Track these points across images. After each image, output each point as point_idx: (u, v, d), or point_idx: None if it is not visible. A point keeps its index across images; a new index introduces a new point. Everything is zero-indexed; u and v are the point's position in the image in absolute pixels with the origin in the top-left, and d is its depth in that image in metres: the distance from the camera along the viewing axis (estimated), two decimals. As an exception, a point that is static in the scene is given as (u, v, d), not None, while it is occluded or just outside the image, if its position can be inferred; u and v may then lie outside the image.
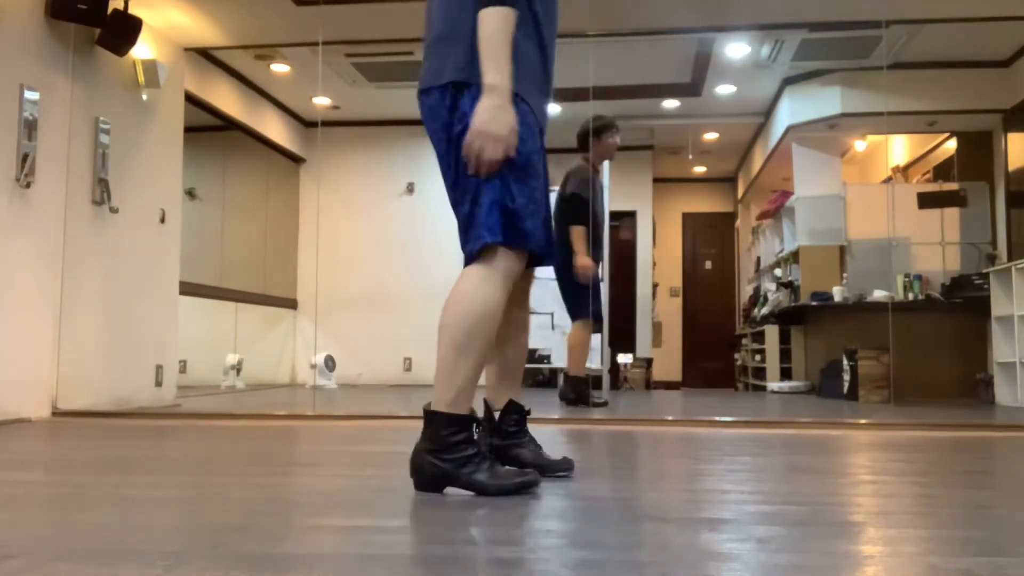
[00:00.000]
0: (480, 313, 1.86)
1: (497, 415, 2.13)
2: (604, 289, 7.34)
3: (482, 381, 1.99)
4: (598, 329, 5.34)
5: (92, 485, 2.06)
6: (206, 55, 6.00)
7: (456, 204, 1.96)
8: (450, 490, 1.84)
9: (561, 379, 5.57)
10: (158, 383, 4.98)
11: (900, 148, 7.81)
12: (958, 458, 2.84)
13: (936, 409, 5.12)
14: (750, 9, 5.04)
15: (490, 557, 1.31)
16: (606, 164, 7.57)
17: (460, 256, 1.98)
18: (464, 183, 1.92)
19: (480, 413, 1.96)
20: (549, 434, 3.51)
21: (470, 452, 1.86)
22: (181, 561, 1.26)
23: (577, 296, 5.08)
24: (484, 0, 1.85)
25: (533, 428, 2.21)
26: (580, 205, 5.00)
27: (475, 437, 1.88)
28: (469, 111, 1.87)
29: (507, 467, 1.97)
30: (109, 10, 4.32)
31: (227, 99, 6.45)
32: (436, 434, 1.84)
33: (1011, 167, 6.38)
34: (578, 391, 5.14)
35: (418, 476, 1.87)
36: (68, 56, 4.33)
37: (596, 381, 7.15)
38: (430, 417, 1.87)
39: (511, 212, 1.90)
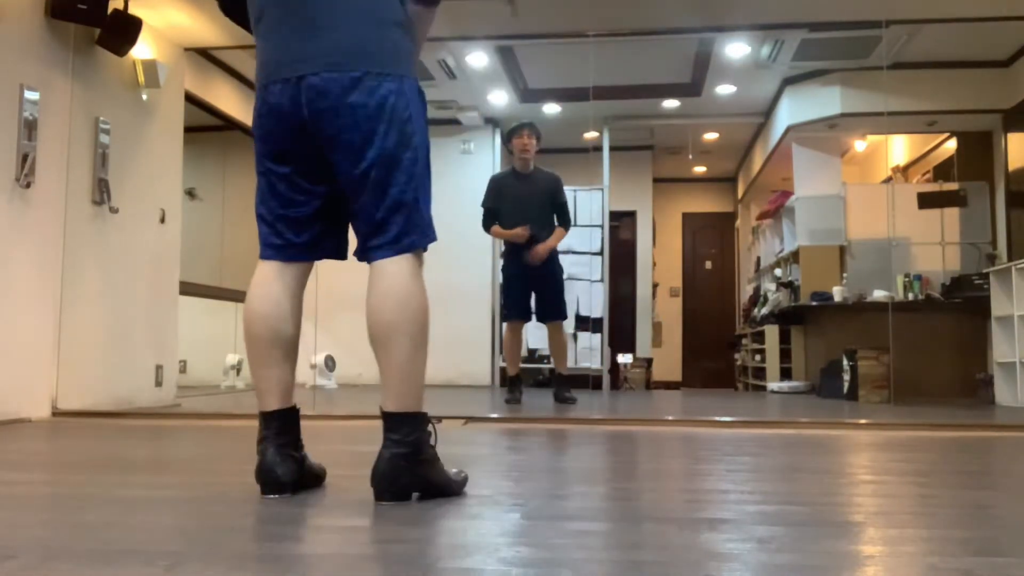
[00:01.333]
0: (426, 309, 1.83)
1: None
2: (601, 289, 7.38)
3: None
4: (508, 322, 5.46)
5: (92, 485, 2.06)
6: (206, 55, 5.99)
7: (391, 188, 1.83)
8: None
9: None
10: (158, 383, 4.98)
11: (900, 148, 7.81)
12: (958, 458, 2.84)
13: (936, 409, 5.12)
14: (750, 9, 5.04)
15: (490, 557, 1.31)
16: (606, 167, 7.62)
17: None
18: (420, 172, 1.87)
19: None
20: (547, 434, 3.51)
21: (434, 451, 1.83)
22: (181, 561, 1.26)
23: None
24: None
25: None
26: (483, 213, 5.31)
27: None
28: (415, 101, 1.88)
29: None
30: (109, 10, 4.32)
31: (227, 99, 6.44)
32: (413, 436, 1.76)
33: (1011, 167, 6.38)
34: (511, 389, 5.27)
35: (393, 486, 1.75)
36: (68, 56, 4.33)
37: (596, 381, 7.18)
38: (407, 419, 1.77)
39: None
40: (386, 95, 1.82)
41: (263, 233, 1.94)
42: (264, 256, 1.94)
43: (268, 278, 1.91)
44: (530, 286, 5.22)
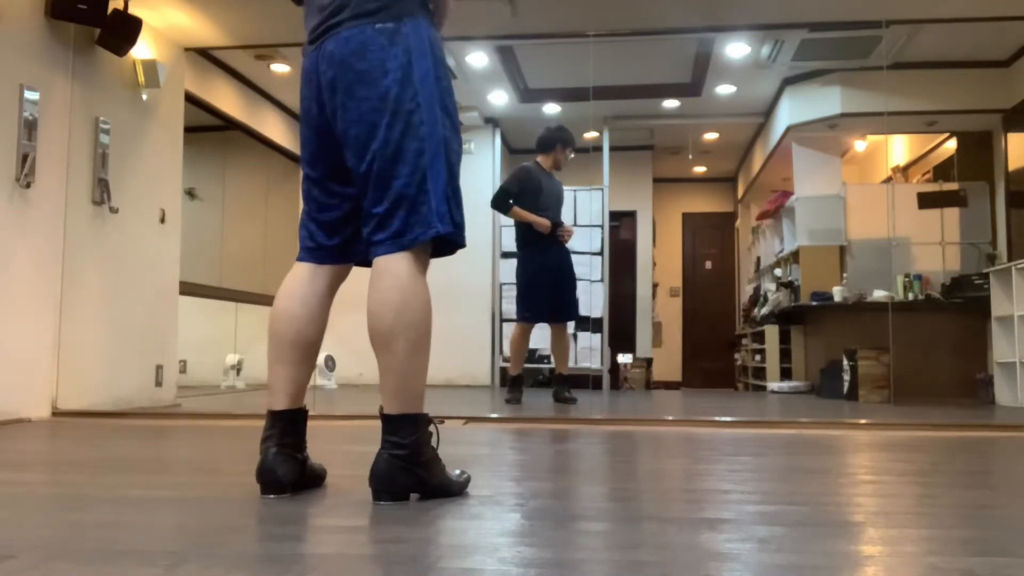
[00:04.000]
0: (428, 311, 1.78)
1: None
2: (601, 289, 7.38)
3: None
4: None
5: (92, 485, 2.06)
6: (206, 55, 6.00)
7: (386, 175, 1.78)
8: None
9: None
10: (158, 383, 4.98)
11: (900, 148, 7.81)
12: (958, 458, 2.84)
13: (936, 409, 5.12)
14: (750, 9, 5.03)
15: (490, 557, 1.31)
16: (606, 167, 7.62)
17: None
18: (410, 155, 1.79)
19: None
20: (548, 434, 3.51)
21: (433, 452, 1.81)
22: (181, 561, 1.26)
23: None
24: None
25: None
26: (499, 193, 5.31)
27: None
28: (414, 45, 1.81)
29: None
30: (109, 10, 4.32)
31: (227, 99, 6.45)
32: (411, 438, 1.74)
33: (1011, 167, 6.38)
34: (512, 388, 5.24)
35: (391, 487, 1.74)
36: (68, 56, 4.33)
37: (596, 381, 7.18)
38: (406, 421, 1.75)
39: (456, 200, 1.84)
40: (376, 46, 1.78)
41: (300, 235, 1.98)
42: (299, 258, 1.97)
43: (300, 279, 1.93)
44: (551, 286, 5.22)
